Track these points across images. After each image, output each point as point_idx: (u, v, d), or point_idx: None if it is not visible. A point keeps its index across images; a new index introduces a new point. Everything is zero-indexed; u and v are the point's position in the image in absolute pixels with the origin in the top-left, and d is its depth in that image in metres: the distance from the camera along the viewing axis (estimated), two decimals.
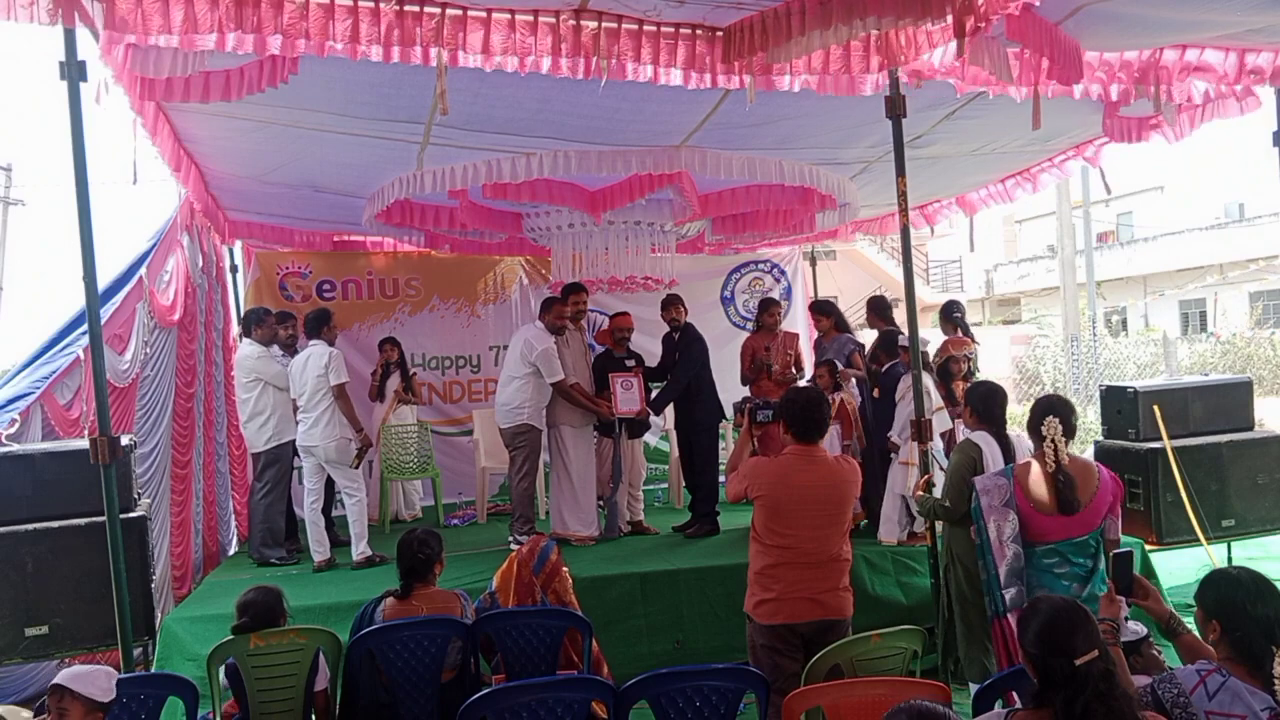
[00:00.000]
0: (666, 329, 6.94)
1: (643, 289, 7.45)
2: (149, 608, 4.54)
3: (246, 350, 6.40)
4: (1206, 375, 8.17)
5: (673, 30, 3.96)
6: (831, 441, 5.39)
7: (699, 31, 4.00)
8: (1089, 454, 6.30)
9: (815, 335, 7.43)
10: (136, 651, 4.29)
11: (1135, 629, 3.24)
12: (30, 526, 4.27)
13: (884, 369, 6.48)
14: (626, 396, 6.44)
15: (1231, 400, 6.53)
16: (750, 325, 8.76)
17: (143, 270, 5.57)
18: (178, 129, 5.21)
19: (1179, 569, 6.59)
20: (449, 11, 3.63)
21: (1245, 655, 2.38)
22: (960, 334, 6.77)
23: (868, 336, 7.37)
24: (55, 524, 4.30)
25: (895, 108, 4.50)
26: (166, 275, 6.13)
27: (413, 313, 8.81)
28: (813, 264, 10.08)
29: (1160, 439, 6.15)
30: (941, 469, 5.00)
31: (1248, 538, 6.48)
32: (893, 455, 5.97)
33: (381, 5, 3.54)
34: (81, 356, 4.73)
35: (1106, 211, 31.08)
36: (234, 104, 4.27)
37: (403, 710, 3.69)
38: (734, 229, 7.83)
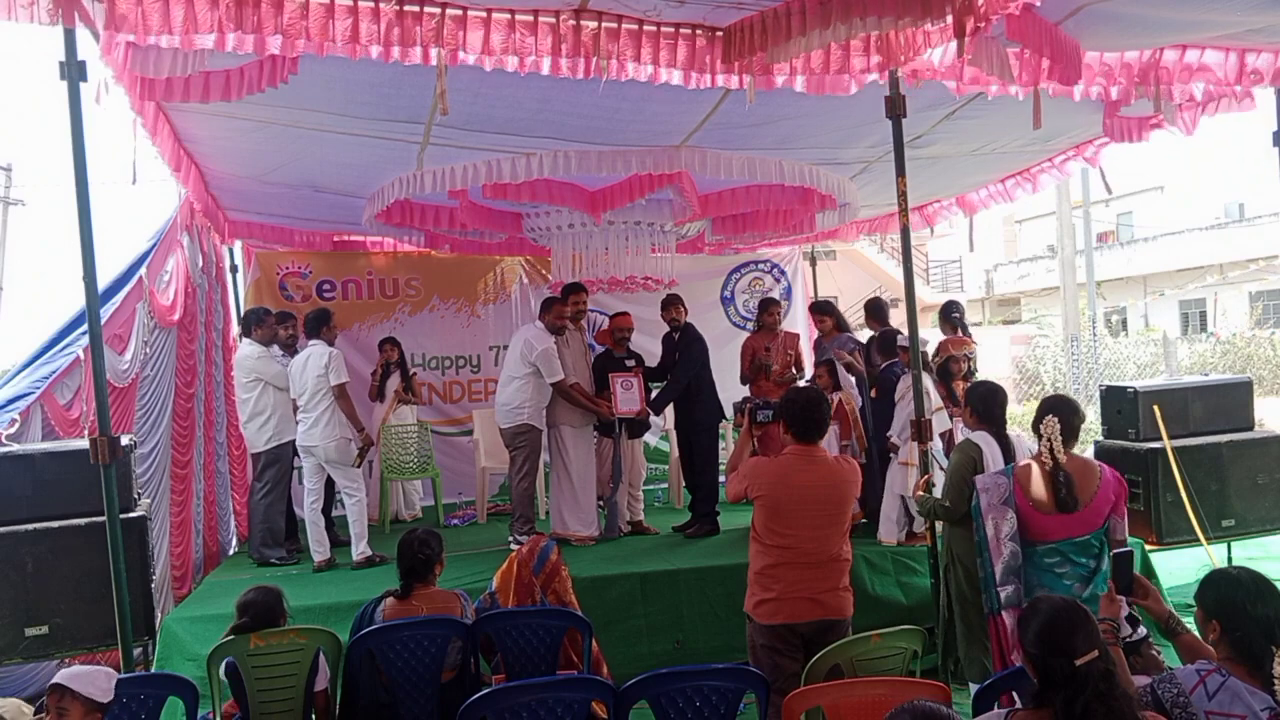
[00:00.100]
0: (666, 329, 6.94)
1: (643, 289, 7.45)
2: (149, 608, 4.54)
3: (246, 350, 6.40)
4: (1206, 375, 8.17)
5: (673, 30, 3.96)
6: (829, 441, 5.39)
7: (699, 31, 4.00)
8: (1089, 454, 6.29)
9: (815, 335, 7.43)
10: (136, 651, 4.29)
11: (1135, 629, 3.24)
12: (30, 526, 4.27)
13: (881, 369, 6.49)
14: (626, 396, 6.45)
15: (1231, 400, 6.53)
16: (750, 325, 8.77)
17: (143, 270, 5.57)
18: (178, 129, 5.21)
19: (1179, 569, 6.59)
20: (449, 11, 3.63)
21: (1245, 655, 2.38)
22: (959, 334, 6.77)
23: (866, 337, 7.37)
24: (55, 524, 4.30)
25: (895, 108, 4.50)
26: (166, 275, 6.13)
27: (413, 313, 8.81)
28: (813, 264, 10.09)
29: (1160, 439, 6.15)
30: (941, 469, 5.00)
31: (1248, 538, 6.48)
32: (892, 455, 5.97)
33: (381, 5, 3.54)
34: (81, 356, 4.73)
35: (1106, 211, 31.09)
36: (234, 104, 4.26)
37: (403, 710, 3.69)
38: (734, 229, 7.83)
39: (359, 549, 6.06)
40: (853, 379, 6.33)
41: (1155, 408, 6.22)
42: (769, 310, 7.14)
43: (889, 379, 6.31)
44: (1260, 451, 6.38)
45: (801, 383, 6.79)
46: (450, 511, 7.84)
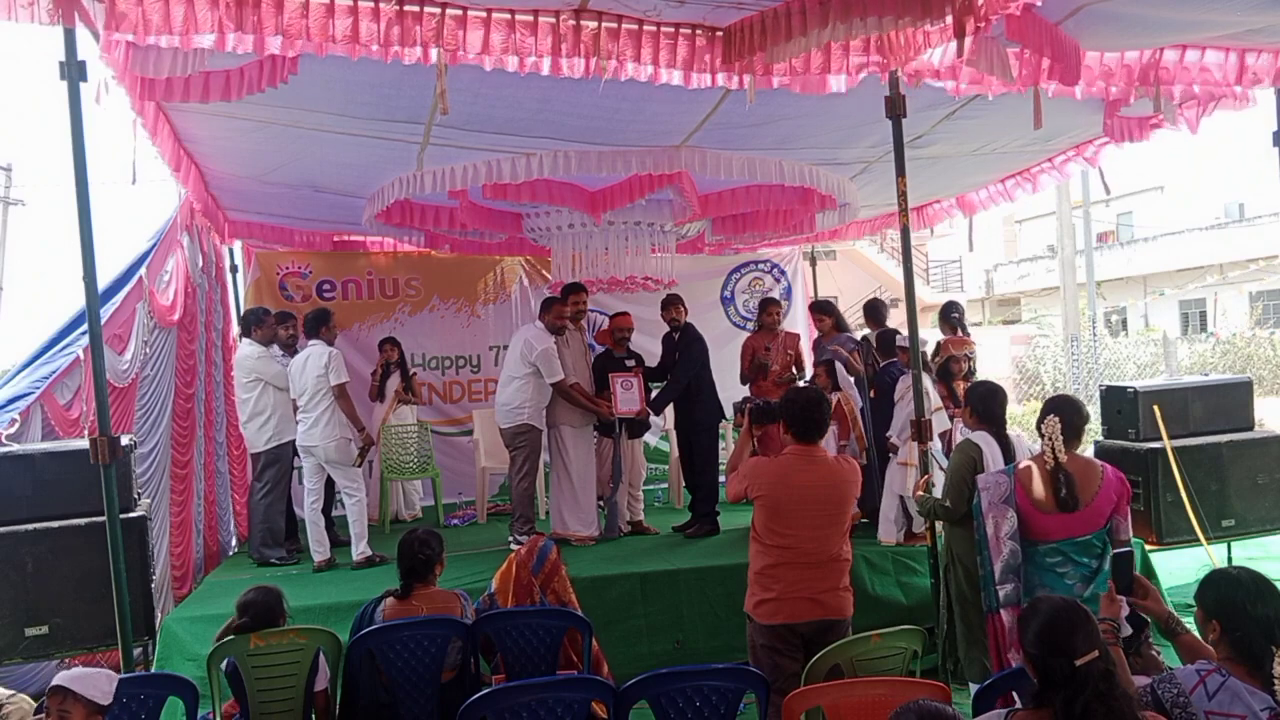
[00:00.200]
0: (666, 329, 6.94)
1: (643, 289, 7.45)
2: (149, 608, 4.54)
3: (246, 350, 6.40)
4: (1206, 375, 8.17)
5: (673, 30, 3.96)
6: (827, 441, 5.40)
7: (699, 31, 4.00)
8: (1089, 454, 6.29)
9: (815, 335, 7.43)
10: (136, 651, 4.29)
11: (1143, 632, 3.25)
12: (30, 526, 4.27)
13: (880, 369, 6.49)
14: (626, 396, 6.45)
15: (1231, 400, 6.53)
16: (751, 325, 8.77)
17: (143, 270, 5.57)
18: (178, 129, 5.21)
19: (1179, 569, 6.59)
20: (449, 11, 3.63)
21: (1245, 655, 2.38)
22: (959, 334, 6.78)
23: (861, 337, 7.38)
24: (55, 524, 4.30)
25: (895, 108, 4.50)
26: (166, 275, 6.13)
27: (413, 313, 8.81)
28: (813, 264, 10.09)
29: (1160, 439, 6.15)
30: (941, 469, 5.00)
31: (1248, 538, 6.48)
32: (891, 455, 5.98)
33: (381, 5, 3.54)
34: (81, 356, 4.73)
35: (1106, 211, 31.08)
36: (234, 104, 4.26)
37: (403, 710, 3.69)
38: (734, 229, 7.83)
39: (359, 549, 6.06)
40: (852, 379, 6.33)
41: (1155, 408, 6.22)
42: (768, 310, 7.14)
43: (887, 379, 6.32)
44: (1260, 451, 6.38)
45: (801, 383, 6.79)
46: (450, 511, 7.84)
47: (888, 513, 5.94)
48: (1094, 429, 8.43)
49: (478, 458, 7.82)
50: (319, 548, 6.09)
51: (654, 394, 6.80)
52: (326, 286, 8.61)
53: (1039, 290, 31.43)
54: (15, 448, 4.33)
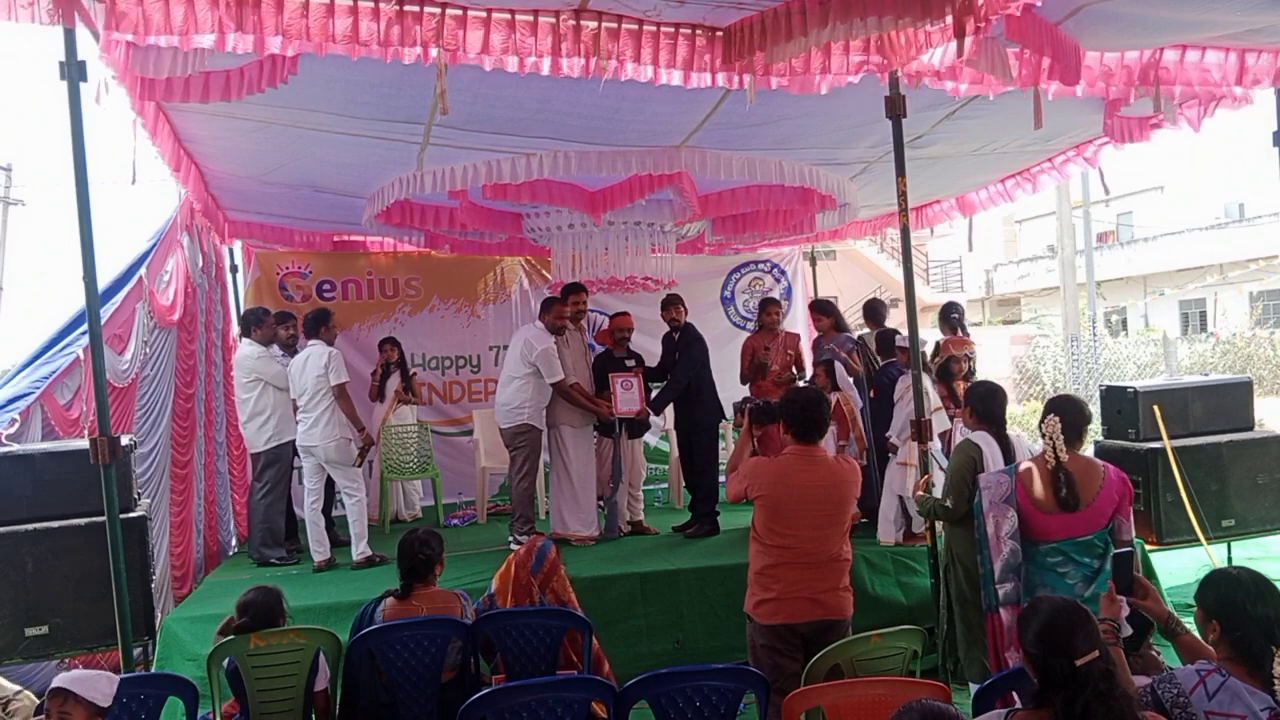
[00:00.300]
0: (666, 329, 6.94)
1: (643, 289, 7.45)
2: (149, 608, 4.54)
3: (246, 350, 6.41)
4: (1206, 375, 8.17)
5: (673, 30, 3.96)
6: (826, 441, 5.40)
7: (699, 31, 4.00)
8: (1088, 454, 6.29)
9: (815, 335, 7.44)
10: (136, 651, 4.29)
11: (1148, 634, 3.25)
12: (30, 526, 4.27)
13: (879, 369, 6.49)
14: (626, 396, 6.45)
15: (1231, 400, 6.53)
16: (751, 325, 8.77)
17: (143, 270, 5.57)
18: (178, 129, 5.21)
19: (1179, 569, 6.59)
20: (449, 11, 3.63)
21: (1245, 655, 2.38)
22: (959, 335, 6.78)
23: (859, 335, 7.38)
24: (55, 524, 4.30)
25: (895, 108, 4.50)
26: (166, 275, 6.13)
27: (413, 313, 8.82)
28: (813, 264, 10.09)
29: (1160, 439, 6.15)
30: (941, 469, 5.00)
31: (1248, 538, 6.48)
32: (891, 455, 5.98)
33: (381, 5, 3.54)
34: (81, 356, 4.73)
35: (1106, 211, 31.08)
36: (234, 104, 4.26)
37: (403, 710, 3.69)
38: (734, 229, 7.83)
39: (359, 549, 6.06)
40: (850, 379, 6.34)
41: (1155, 408, 6.22)
42: (768, 310, 7.14)
43: (886, 379, 6.33)
44: (1260, 451, 6.38)
45: (801, 383, 6.80)
46: (450, 511, 7.84)
47: (887, 513, 5.94)
48: (1094, 429, 8.42)
49: (478, 458, 7.82)
50: (319, 548, 6.10)
51: (654, 394, 6.80)
52: (326, 286, 8.61)
53: (1039, 290, 31.43)
54: (15, 448, 4.33)
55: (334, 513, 6.64)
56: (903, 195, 4.68)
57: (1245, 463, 6.31)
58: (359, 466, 6.18)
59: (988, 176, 7.38)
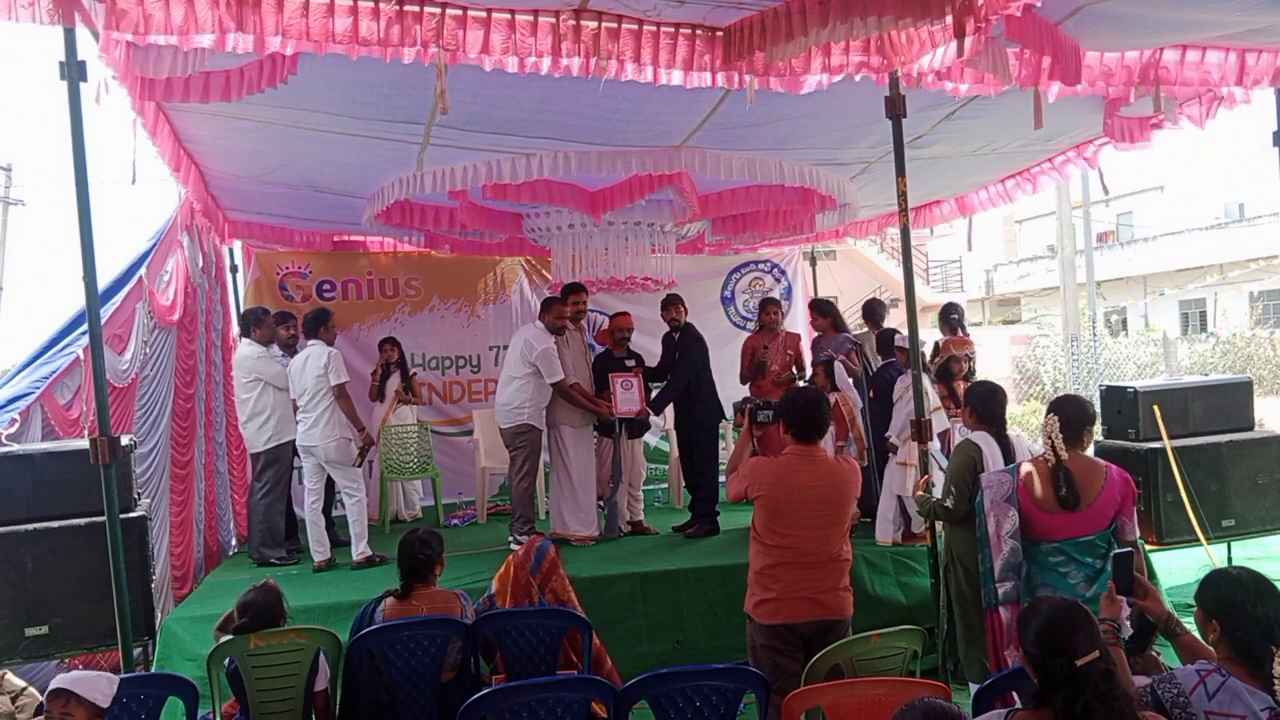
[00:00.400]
0: (666, 329, 6.94)
1: (643, 289, 7.45)
2: (149, 608, 4.53)
3: (246, 350, 6.41)
4: (1206, 375, 8.17)
5: (673, 30, 3.96)
6: (824, 442, 5.41)
7: (699, 31, 4.00)
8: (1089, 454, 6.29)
9: (815, 335, 7.44)
10: (136, 651, 4.29)
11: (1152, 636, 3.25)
12: (30, 526, 4.26)
13: (876, 370, 6.50)
14: (626, 396, 6.45)
15: (1231, 400, 6.53)
16: (751, 325, 8.78)
17: (143, 270, 5.57)
18: (178, 129, 5.21)
19: (1179, 569, 6.59)
20: (449, 11, 3.63)
21: (1245, 655, 2.38)
22: (959, 335, 6.78)
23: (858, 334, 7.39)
24: (55, 524, 4.29)
25: (895, 108, 4.50)
26: (166, 275, 6.13)
27: (413, 313, 8.81)
28: (813, 264, 10.09)
29: (1160, 439, 6.15)
30: (941, 469, 5.00)
31: (1248, 538, 6.48)
32: (891, 455, 5.98)
33: (381, 4, 3.54)
34: (81, 356, 4.72)
35: (1106, 211, 31.08)
36: (234, 104, 4.26)
37: (403, 710, 3.69)
38: (734, 229, 7.83)
39: (359, 549, 6.06)
40: (850, 379, 6.34)
41: (1155, 408, 6.21)
42: (766, 310, 7.15)
43: (884, 379, 6.33)
44: (1260, 451, 6.37)
45: (800, 383, 6.80)
46: (450, 511, 7.84)
47: (885, 512, 5.95)
48: (1095, 429, 8.43)
49: (478, 458, 7.82)
50: (319, 548, 6.10)
51: (654, 394, 6.80)
52: (326, 286, 8.61)
53: (1039, 290, 31.43)
54: (15, 448, 4.33)
55: (334, 513, 6.64)
56: (903, 195, 4.68)
57: (1245, 463, 6.31)
58: (359, 466, 6.18)
59: (988, 176, 7.38)
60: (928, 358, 6.45)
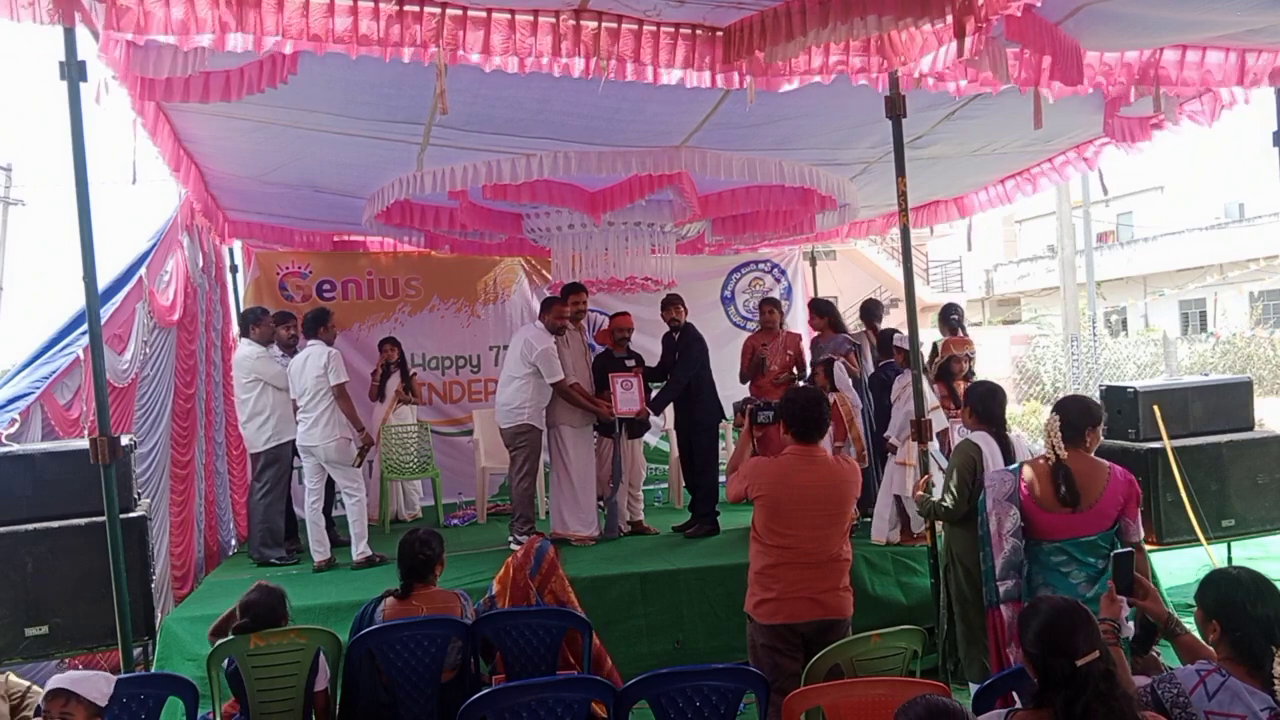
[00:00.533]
0: (666, 329, 6.94)
1: (643, 289, 7.45)
2: (149, 608, 4.53)
3: (245, 350, 6.41)
4: (1206, 375, 8.16)
5: (673, 30, 3.96)
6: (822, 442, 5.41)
7: (699, 31, 4.00)
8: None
9: (814, 335, 7.44)
10: (136, 651, 4.29)
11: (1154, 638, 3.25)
12: (30, 526, 4.26)
13: (876, 369, 6.50)
14: (626, 396, 6.45)
15: (1231, 400, 6.52)
16: (752, 325, 8.78)
17: (143, 270, 5.57)
18: (178, 129, 5.21)
19: (1179, 569, 6.58)
20: (449, 11, 3.63)
21: (1245, 655, 2.38)
22: (959, 336, 6.78)
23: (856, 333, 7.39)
24: (55, 524, 4.29)
25: (895, 108, 4.50)
26: (166, 275, 6.13)
27: (413, 313, 8.82)
28: (813, 264, 10.09)
29: (1160, 439, 6.15)
30: (940, 469, 5.00)
31: (1248, 538, 6.48)
32: (890, 455, 5.98)
33: (381, 4, 3.54)
34: (81, 356, 4.72)
35: (1106, 211, 31.08)
36: (234, 104, 4.26)
37: (403, 710, 3.69)
38: (734, 230, 7.83)
39: (359, 549, 6.06)
40: (849, 380, 6.34)
41: (1155, 408, 6.21)
42: (764, 309, 7.15)
43: (881, 380, 6.33)
44: (1260, 451, 6.37)
45: (800, 383, 6.80)
46: (450, 511, 7.83)
47: (881, 511, 5.95)
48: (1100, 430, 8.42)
49: (478, 458, 7.82)
50: (319, 548, 6.10)
51: (654, 394, 6.80)
52: (326, 286, 8.61)
53: (1039, 290, 31.43)
54: (15, 448, 4.33)
55: (334, 513, 6.64)
56: (903, 195, 4.68)
57: (1245, 463, 6.31)
58: (359, 466, 6.18)
59: (988, 177, 7.38)
60: (926, 358, 6.45)
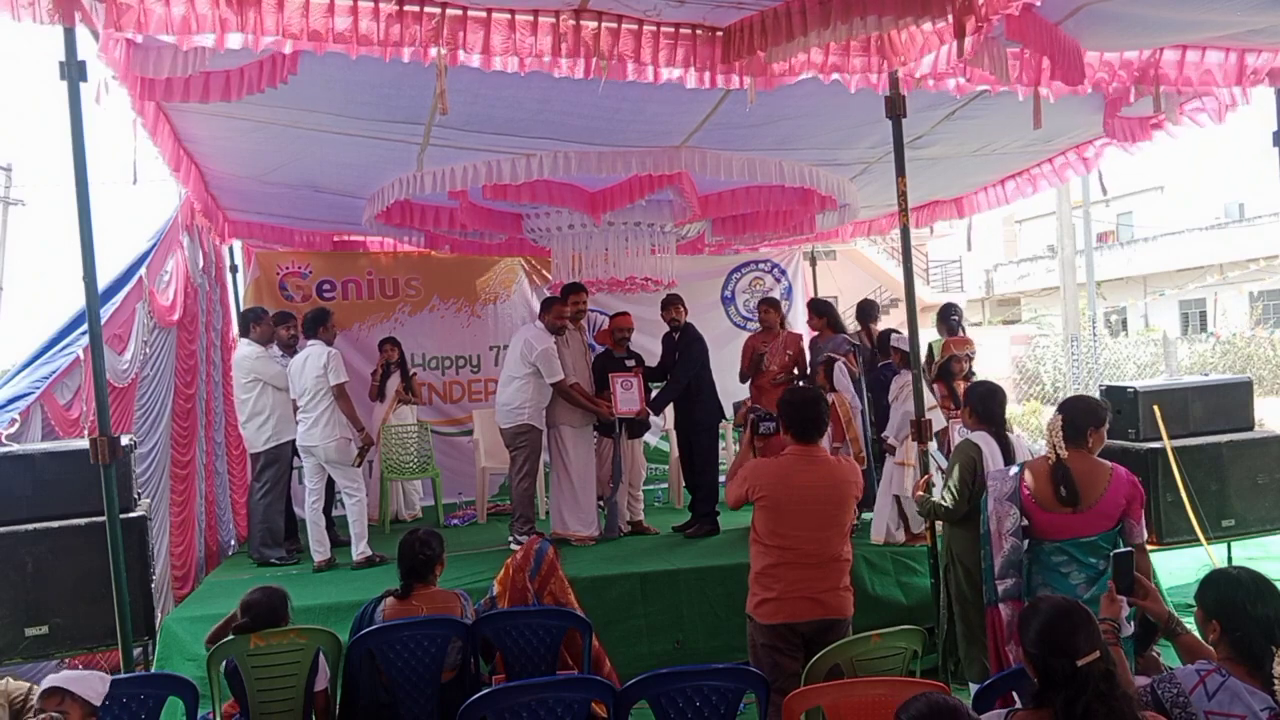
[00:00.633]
0: (666, 329, 6.94)
1: (642, 289, 7.45)
2: (149, 608, 4.54)
3: (245, 350, 6.40)
4: (1206, 375, 8.16)
5: (673, 30, 3.96)
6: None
7: (699, 31, 4.00)
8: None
9: (813, 335, 7.45)
10: (136, 651, 4.29)
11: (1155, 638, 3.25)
12: (30, 526, 4.26)
13: (874, 370, 6.50)
14: (626, 396, 6.45)
15: (1231, 400, 6.52)
16: (752, 325, 8.79)
17: (143, 270, 5.57)
18: (178, 129, 5.21)
19: (1179, 569, 6.58)
20: (449, 11, 3.63)
21: (1245, 655, 2.38)
22: (960, 335, 6.78)
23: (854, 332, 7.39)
24: (55, 524, 4.29)
25: (895, 108, 4.49)
26: (166, 275, 6.13)
27: (413, 313, 8.82)
28: (813, 264, 10.09)
29: (1160, 439, 6.15)
30: (940, 469, 5.00)
31: (1248, 538, 6.47)
32: (889, 455, 5.98)
33: (381, 4, 3.54)
34: (81, 356, 4.73)
35: (1106, 211, 31.08)
36: (234, 104, 4.26)
37: (403, 710, 3.69)
38: (734, 230, 7.83)
39: (359, 549, 6.06)
40: (849, 381, 6.34)
41: (1155, 408, 6.21)
42: (762, 309, 7.14)
43: (879, 380, 6.34)
44: (1260, 451, 6.36)
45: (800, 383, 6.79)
46: (450, 511, 7.83)
47: (880, 511, 5.95)
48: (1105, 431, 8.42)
49: (478, 458, 7.82)
50: (319, 548, 6.09)
51: (654, 394, 6.79)
52: (326, 286, 8.61)
53: (1039, 290, 31.44)
54: (15, 448, 4.33)
55: (334, 513, 6.64)
56: (903, 195, 4.68)
57: (1245, 463, 6.31)
58: (359, 466, 6.18)
59: (988, 177, 7.38)
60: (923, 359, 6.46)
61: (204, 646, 3.80)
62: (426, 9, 3.60)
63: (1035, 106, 4.38)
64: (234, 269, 8.19)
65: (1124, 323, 29.96)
